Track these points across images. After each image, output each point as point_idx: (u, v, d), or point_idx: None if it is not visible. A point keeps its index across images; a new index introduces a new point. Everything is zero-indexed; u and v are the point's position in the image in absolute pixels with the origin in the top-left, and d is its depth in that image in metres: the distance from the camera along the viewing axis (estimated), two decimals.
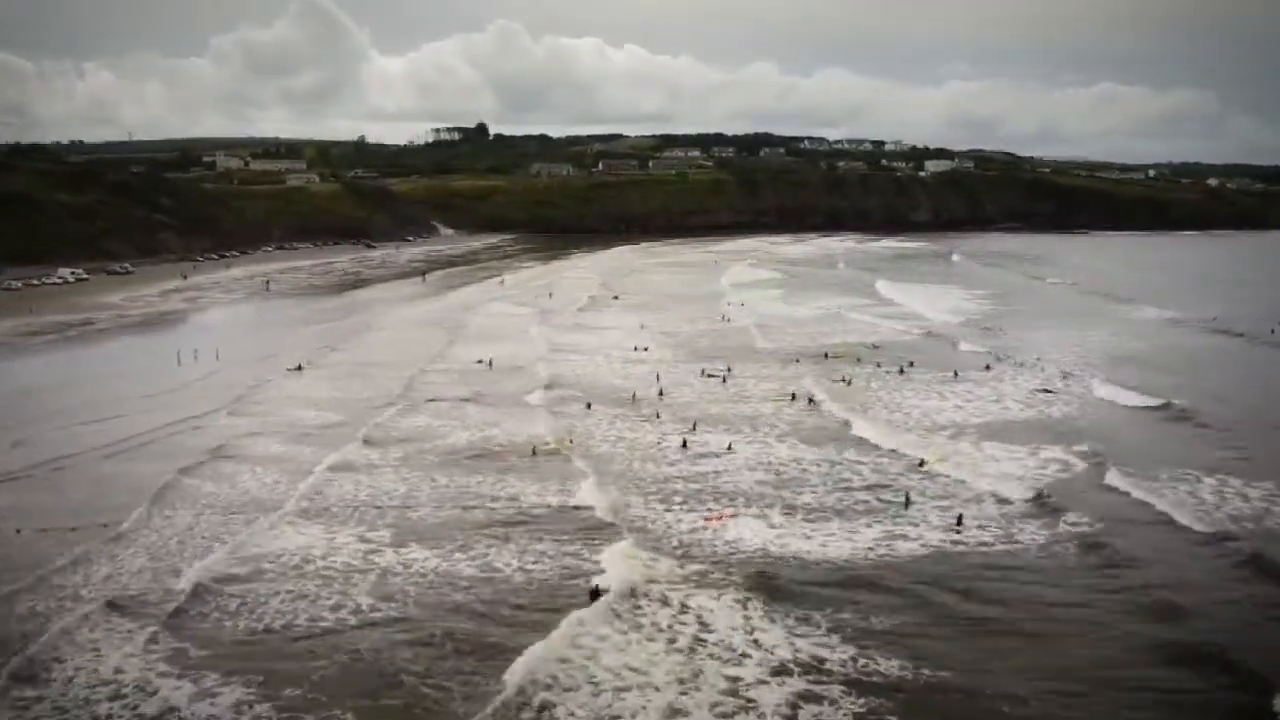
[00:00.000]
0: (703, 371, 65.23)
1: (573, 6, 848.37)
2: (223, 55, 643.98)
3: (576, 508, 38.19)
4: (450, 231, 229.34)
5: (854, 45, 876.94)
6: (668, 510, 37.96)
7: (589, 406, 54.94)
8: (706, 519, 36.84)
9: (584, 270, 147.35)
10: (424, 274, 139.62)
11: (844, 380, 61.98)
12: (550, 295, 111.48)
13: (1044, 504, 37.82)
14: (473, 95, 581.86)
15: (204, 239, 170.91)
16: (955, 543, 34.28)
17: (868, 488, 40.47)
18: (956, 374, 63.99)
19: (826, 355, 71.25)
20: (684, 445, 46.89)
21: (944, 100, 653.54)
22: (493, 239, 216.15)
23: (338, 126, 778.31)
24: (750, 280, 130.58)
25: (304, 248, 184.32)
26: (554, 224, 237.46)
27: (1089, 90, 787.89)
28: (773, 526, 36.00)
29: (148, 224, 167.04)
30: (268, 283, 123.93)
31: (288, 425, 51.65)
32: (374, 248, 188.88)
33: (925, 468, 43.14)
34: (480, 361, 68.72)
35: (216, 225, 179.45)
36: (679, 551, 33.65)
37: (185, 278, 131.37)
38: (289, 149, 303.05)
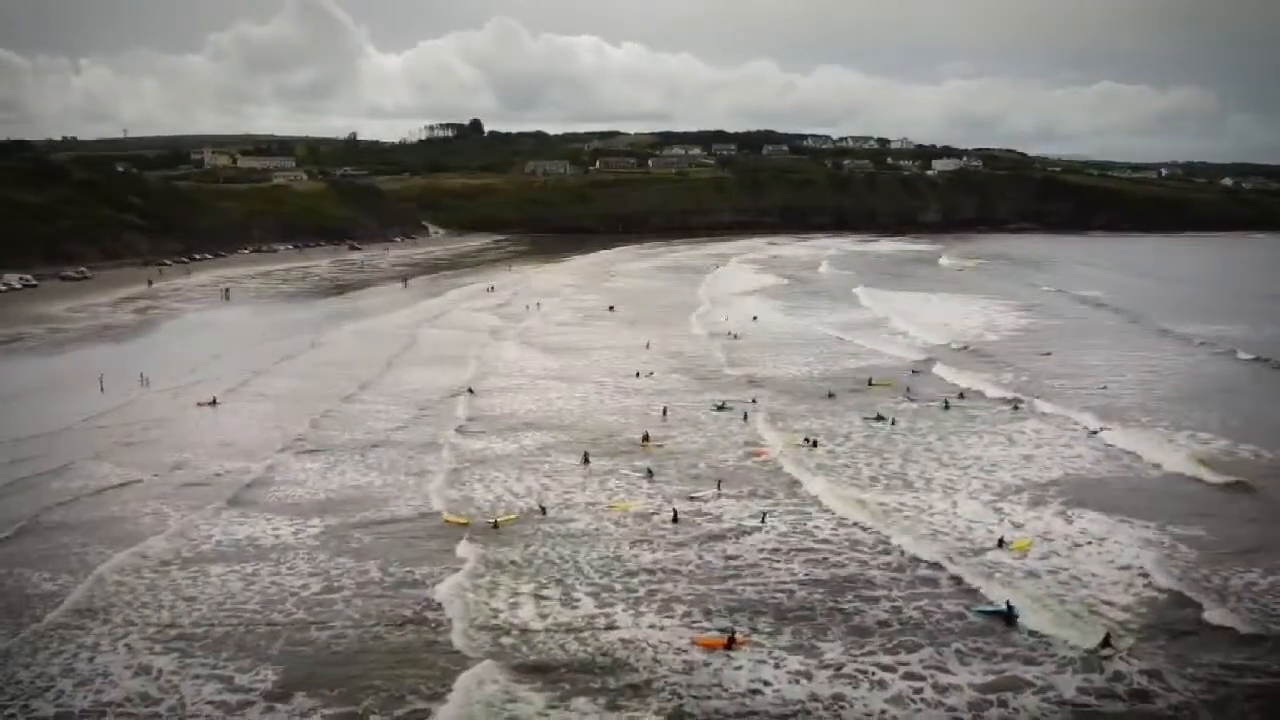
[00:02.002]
0: (722, 405, 54.76)
1: (571, 4, 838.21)
2: (220, 52, 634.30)
3: (525, 631, 27.37)
4: (441, 232, 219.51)
5: (853, 43, 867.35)
6: (660, 627, 27.47)
7: (587, 460, 43.82)
8: (704, 644, 26.31)
9: (577, 275, 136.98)
10: (405, 279, 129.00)
11: (882, 418, 51.26)
12: (539, 305, 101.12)
13: (1183, 628, 27.30)
14: (471, 93, 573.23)
15: (175, 241, 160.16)
16: (1102, 694, 23.59)
17: (958, 592, 29.64)
18: (1017, 406, 53.72)
19: (870, 382, 60.78)
20: (674, 520, 36.16)
21: (944, 98, 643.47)
22: (485, 240, 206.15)
23: (335, 124, 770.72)
24: (757, 287, 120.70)
25: (284, 250, 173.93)
26: (549, 224, 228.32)
27: (1089, 89, 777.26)
28: (820, 660, 25.42)
29: (114, 225, 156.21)
30: (227, 291, 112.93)
31: (164, 477, 41.49)
32: (358, 249, 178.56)
33: (1006, 550, 32.75)
34: (471, 390, 58.51)
35: (190, 226, 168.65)
36: (667, 707, 23.23)
37: (150, 283, 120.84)
38: (281, 146, 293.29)
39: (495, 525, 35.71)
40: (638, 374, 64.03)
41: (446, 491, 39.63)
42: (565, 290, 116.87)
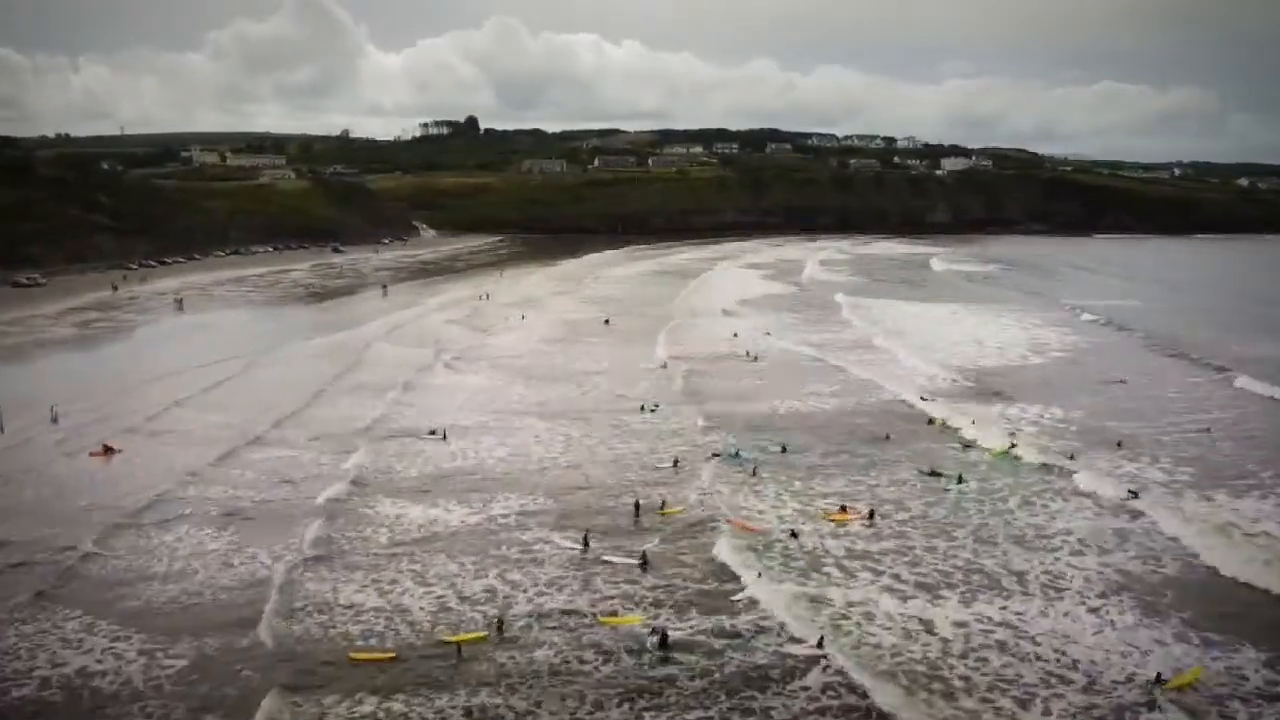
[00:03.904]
0: (736, 452, 44.84)
1: (571, 2, 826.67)
2: (219, 50, 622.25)
3: None
4: (433, 233, 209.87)
5: (853, 43, 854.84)
6: None
7: (586, 546, 33.34)
8: None
9: (571, 282, 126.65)
10: (386, 286, 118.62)
11: (939, 474, 41.29)
12: (523, 317, 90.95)
13: None
14: (470, 91, 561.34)
15: (147, 243, 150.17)
16: None
17: None
18: (1078, 465, 43.76)
19: (931, 421, 50.65)
20: (662, 645, 26.32)
21: (944, 98, 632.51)
22: (478, 241, 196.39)
23: (335, 122, 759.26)
24: (766, 294, 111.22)
25: (263, 252, 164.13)
26: (547, 224, 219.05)
27: (1089, 89, 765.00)
28: None
29: (82, 226, 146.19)
30: (181, 302, 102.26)
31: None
32: (342, 251, 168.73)
33: (1161, 691, 23.01)
34: (433, 432, 48.36)
35: (165, 227, 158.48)
36: None
37: (115, 288, 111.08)
38: (275, 144, 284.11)
39: (458, 649, 25.91)
40: (642, 408, 54.10)
41: (355, 596, 29.53)
42: (558, 300, 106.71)
